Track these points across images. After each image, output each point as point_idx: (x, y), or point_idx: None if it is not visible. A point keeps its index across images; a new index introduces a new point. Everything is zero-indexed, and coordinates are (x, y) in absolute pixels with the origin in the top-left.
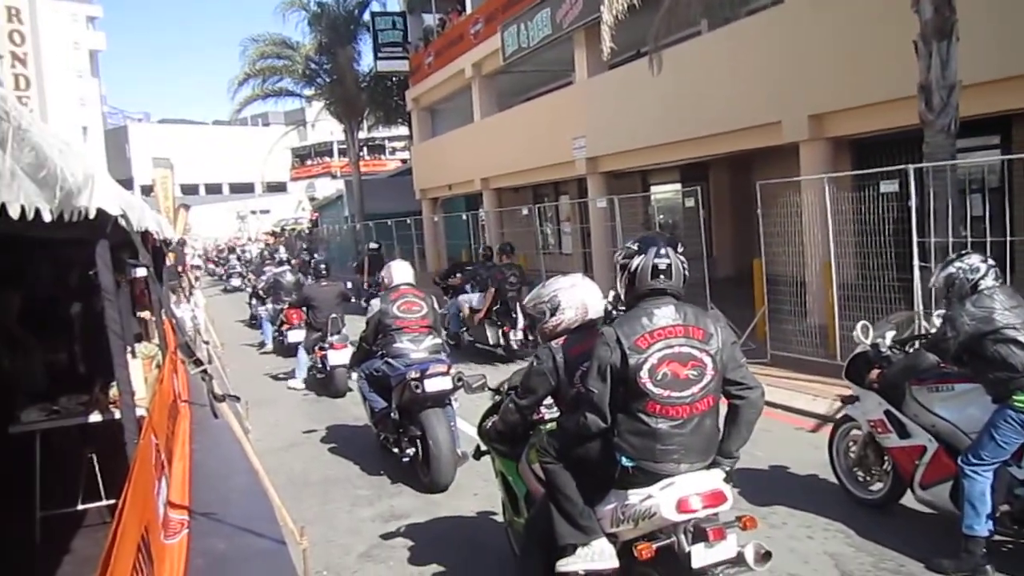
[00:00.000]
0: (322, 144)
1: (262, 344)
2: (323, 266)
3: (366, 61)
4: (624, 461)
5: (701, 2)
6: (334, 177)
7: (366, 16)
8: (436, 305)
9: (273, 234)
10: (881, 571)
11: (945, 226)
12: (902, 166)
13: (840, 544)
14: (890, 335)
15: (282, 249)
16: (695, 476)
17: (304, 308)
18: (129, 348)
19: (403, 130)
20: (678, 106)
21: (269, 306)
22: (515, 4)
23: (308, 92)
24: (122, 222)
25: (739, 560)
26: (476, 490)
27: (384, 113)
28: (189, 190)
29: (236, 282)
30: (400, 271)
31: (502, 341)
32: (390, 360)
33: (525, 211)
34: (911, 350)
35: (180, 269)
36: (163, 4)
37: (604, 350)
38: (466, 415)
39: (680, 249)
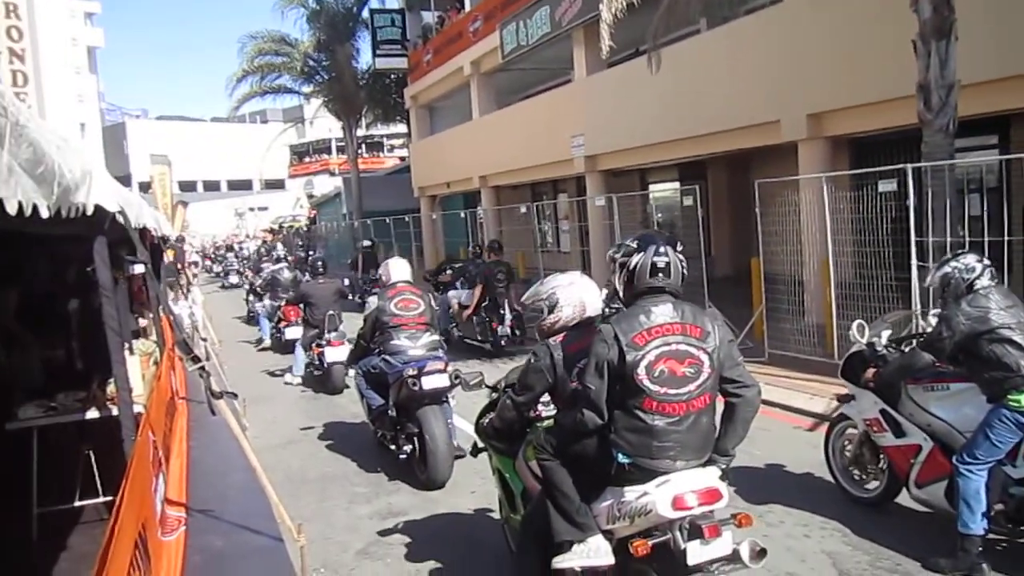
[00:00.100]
0: (320, 141)
1: (260, 341)
2: (320, 263)
3: (365, 58)
4: (620, 458)
5: (700, 1)
6: (332, 174)
7: (365, 13)
8: (434, 303)
9: (271, 231)
10: (878, 570)
11: (943, 225)
12: (900, 165)
13: (837, 543)
14: (886, 334)
15: (280, 246)
16: (691, 473)
17: (301, 305)
18: (127, 345)
19: (401, 127)
20: (677, 104)
21: (267, 303)
22: (514, 2)
23: (306, 89)
24: (120, 219)
25: (734, 557)
26: (473, 488)
27: (383, 110)
28: (187, 187)
29: (234, 279)
30: (398, 269)
31: (490, 336)
32: (387, 357)
33: (523, 209)
34: (907, 349)
35: (180, 266)
36: (161, 1)
37: (602, 347)
38: (463, 413)
39: (679, 248)
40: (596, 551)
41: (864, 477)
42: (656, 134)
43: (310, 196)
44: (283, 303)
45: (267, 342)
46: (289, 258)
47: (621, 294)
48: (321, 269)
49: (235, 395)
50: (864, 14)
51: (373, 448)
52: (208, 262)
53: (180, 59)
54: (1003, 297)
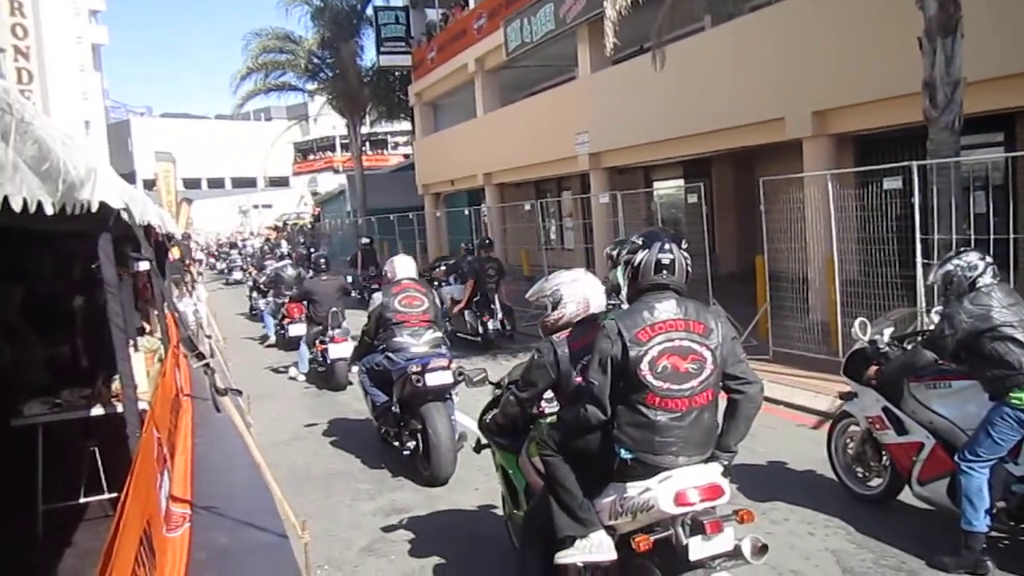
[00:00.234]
0: (324, 139)
1: (264, 338)
2: (323, 260)
3: (369, 56)
4: (623, 453)
5: None
6: (336, 172)
7: (369, 11)
8: (438, 300)
9: (275, 228)
10: (882, 568)
11: (948, 223)
12: (906, 163)
13: (841, 540)
14: (888, 332)
15: (284, 243)
16: (693, 469)
17: (305, 302)
18: (131, 342)
19: (406, 125)
20: (681, 102)
21: (270, 299)
22: None
23: (311, 87)
24: (125, 216)
25: (736, 553)
26: (477, 485)
27: (387, 108)
28: (191, 184)
29: (237, 275)
30: (403, 266)
31: (480, 330)
32: (391, 354)
33: (528, 206)
34: (909, 347)
35: (186, 263)
36: None
37: (605, 342)
38: (466, 409)
39: (684, 245)
40: (598, 547)
41: (867, 474)
42: (660, 131)
43: (314, 193)
44: (287, 300)
45: (272, 339)
46: (292, 255)
47: (625, 290)
48: (324, 266)
49: (239, 392)
50: (869, 11)
51: (377, 445)
52: (211, 259)
53: (184, 57)
54: (1005, 295)
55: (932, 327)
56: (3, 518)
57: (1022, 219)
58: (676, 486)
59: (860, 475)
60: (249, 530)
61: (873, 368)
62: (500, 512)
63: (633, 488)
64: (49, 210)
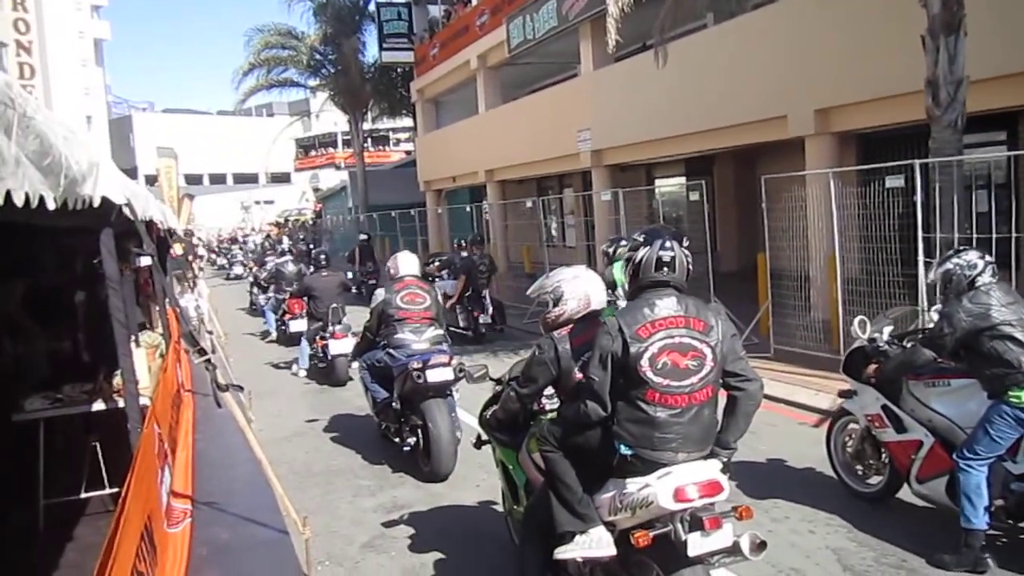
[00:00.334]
0: (326, 135)
1: (266, 333)
2: (323, 257)
3: (371, 52)
4: (623, 449)
5: None
6: (338, 168)
7: (371, 7)
8: (440, 298)
9: (277, 225)
10: (883, 566)
11: (951, 222)
12: (908, 161)
13: (842, 539)
14: (888, 330)
15: (285, 239)
16: (692, 466)
17: (305, 298)
18: (133, 337)
19: (407, 121)
20: (683, 99)
21: (271, 295)
22: None
23: (313, 83)
24: (127, 211)
25: (735, 549)
26: (477, 481)
27: (388, 104)
28: (193, 180)
29: (238, 271)
30: (406, 262)
31: (471, 325)
32: (392, 351)
33: (529, 203)
34: (908, 345)
35: (189, 259)
36: None
37: (606, 338)
38: (467, 406)
39: (685, 243)
40: (598, 542)
41: (866, 472)
42: (662, 129)
43: (316, 190)
44: (287, 296)
45: (274, 335)
46: (292, 251)
47: (626, 287)
48: (324, 262)
49: (241, 388)
50: (871, 9)
51: (378, 441)
52: (212, 255)
53: (186, 53)
54: (1004, 294)
55: (932, 326)
56: (4, 513)
57: None
58: (675, 482)
59: (859, 473)
60: (250, 526)
61: (872, 366)
62: (500, 508)
63: (632, 484)
64: (51, 205)
